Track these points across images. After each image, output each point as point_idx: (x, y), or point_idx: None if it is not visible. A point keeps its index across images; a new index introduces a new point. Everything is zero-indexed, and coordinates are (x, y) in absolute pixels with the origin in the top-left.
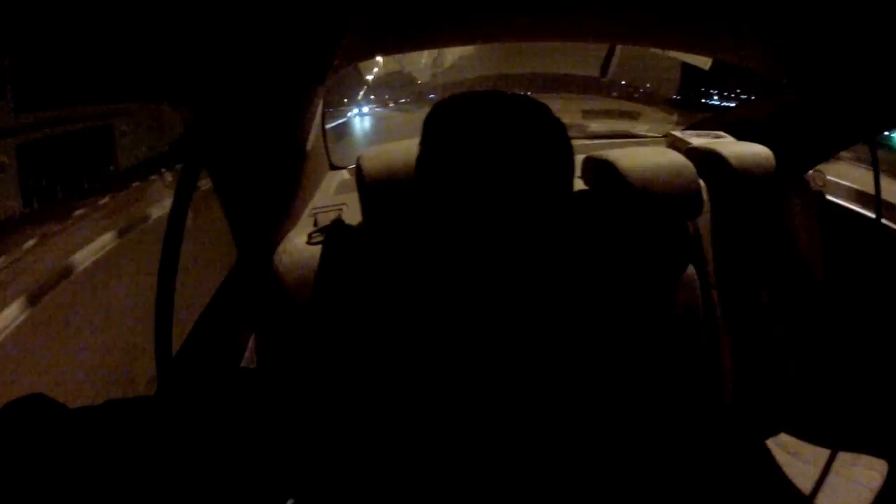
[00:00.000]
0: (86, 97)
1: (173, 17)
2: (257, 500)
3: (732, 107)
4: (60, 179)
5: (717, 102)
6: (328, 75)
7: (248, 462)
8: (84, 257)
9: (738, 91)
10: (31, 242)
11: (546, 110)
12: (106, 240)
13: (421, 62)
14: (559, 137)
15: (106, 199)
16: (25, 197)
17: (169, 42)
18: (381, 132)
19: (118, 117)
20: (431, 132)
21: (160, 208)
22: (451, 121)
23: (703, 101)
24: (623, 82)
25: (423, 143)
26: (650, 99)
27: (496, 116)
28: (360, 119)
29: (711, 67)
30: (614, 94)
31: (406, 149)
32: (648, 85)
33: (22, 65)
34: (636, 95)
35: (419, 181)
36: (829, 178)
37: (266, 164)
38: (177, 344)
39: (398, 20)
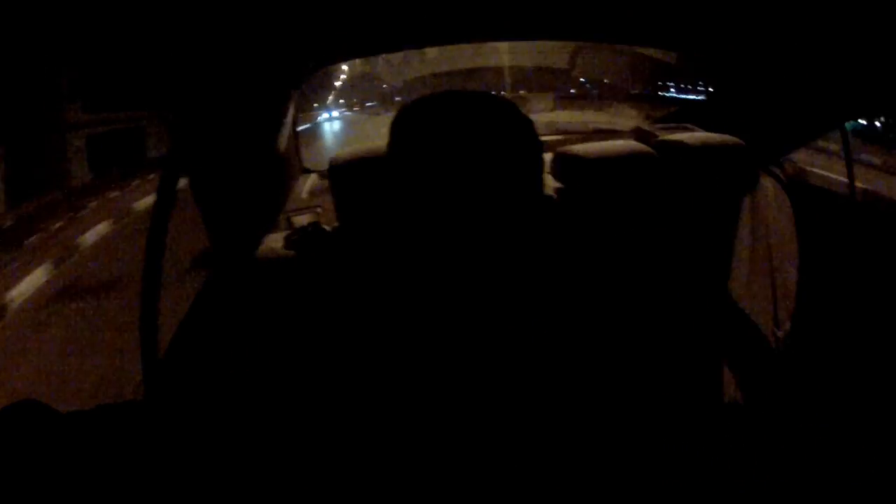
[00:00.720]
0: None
1: (161, 25)
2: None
3: (701, 99)
4: (111, 162)
5: (676, 95)
6: (303, 79)
7: (235, 464)
8: (142, 206)
9: (700, 84)
10: (95, 203)
11: (512, 107)
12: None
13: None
14: (527, 134)
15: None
16: (91, 170)
17: (156, 51)
18: (350, 136)
19: (149, 120)
20: (399, 136)
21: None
22: (418, 124)
23: (662, 94)
24: (591, 78)
25: (390, 147)
26: (618, 93)
27: (462, 116)
28: (330, 123)
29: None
30: (583, 89)
31: (377, 150)
32: (616, 80)
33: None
34: (604, 90)
35: (389, 185)
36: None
37: (242, 168)
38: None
39: (371, 24)
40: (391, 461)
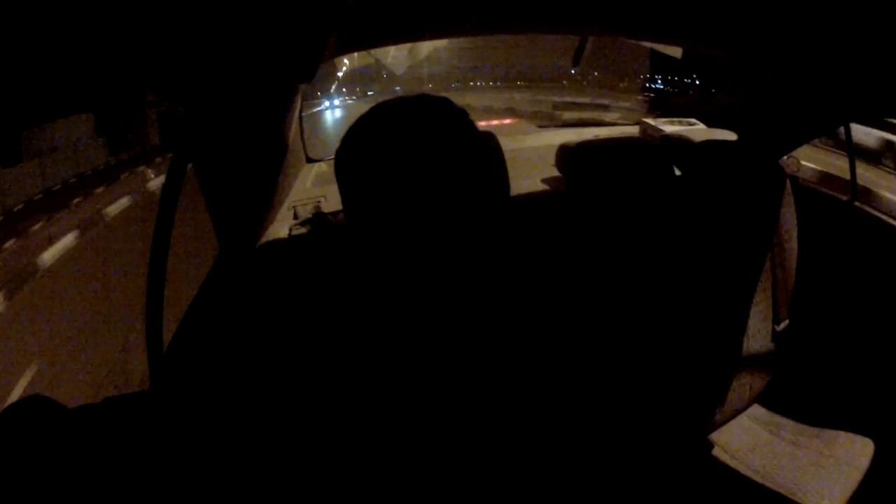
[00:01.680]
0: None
1: (172, 18)
2: (250, 497)
3: (706, 95)
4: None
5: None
6: (314, 73)
7: (242, 458)
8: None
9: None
10: (160, 159)
11: (445, 102)
12: None
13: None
14: (460, 123)
15: None
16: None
17: (166, 42)
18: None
19: None
20: (350, 149)
21: None
22: (357, 139)
23: (649, 85)
24: (595, 73)
25: (338, 161)
26: (622, 87)
27: (397, 120)
28: (332, 111)
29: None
30: (587, 82)
31: None
32: (620, 76)
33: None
34: (608, 84)
35: (343, 197)
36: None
37: (248, 159)
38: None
39: (380, 15)
40: (389, 449)
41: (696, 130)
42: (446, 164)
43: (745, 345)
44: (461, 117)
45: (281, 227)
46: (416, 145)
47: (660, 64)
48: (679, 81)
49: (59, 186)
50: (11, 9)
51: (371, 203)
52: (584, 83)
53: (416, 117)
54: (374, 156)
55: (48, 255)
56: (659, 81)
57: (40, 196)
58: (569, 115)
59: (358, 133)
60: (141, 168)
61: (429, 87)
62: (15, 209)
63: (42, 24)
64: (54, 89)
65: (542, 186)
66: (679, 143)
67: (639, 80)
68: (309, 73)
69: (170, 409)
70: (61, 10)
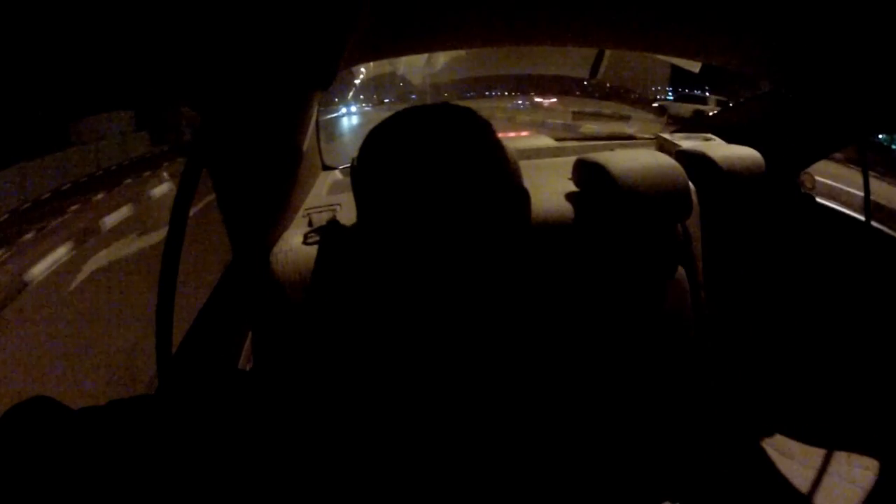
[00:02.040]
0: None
1: (189, 24)
2: (257, 499)
3: (722, 109)
4: None
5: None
6: (331, 80)
7: (248, 461)
8: None
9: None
10: None
11: (469, 113)
12: None
13: (412, 64)
14: (484, 135)
15: None
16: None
17: (185, 49)
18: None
19: None
20: (364, 156)
21: None
22: (380, 142)
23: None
24: (613, 85)
25: (358, 169)
26: (640, 101)
27: (420, 128)
28: (349, 118)
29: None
30: (603, 95)
31: None
32: (638, 88)
33: None
34: (625, 97)
35: (358, 199)
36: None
37: (264, 165)
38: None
39: (398, 24)
40: (400, 454)
41: (713, 145)
42: (470, 177)
43: (754, 363)
44: (486, 129)
45: (295, 235)
46: (440, 155)
47: (678, 77)
48: (694, 95)
49: (114, 167)
50: (60, 20)
51: (391, 211)
52: (597, 95)
53: (442, 127)
54: (396, 163)
55: (110, 219)
56: (670, 93)
57: (101, 172)
58: (586, 128)
59: (380, 139)
60: (179, 159)
61: (444, 97)
62: (80, 180)
63: (82, 28)
64: (97, 88)
65: (558, 200)
66: (696, 158)
67: (653, 92)
68: (326, 81)
69: (176, 413)
70: (98, 17)
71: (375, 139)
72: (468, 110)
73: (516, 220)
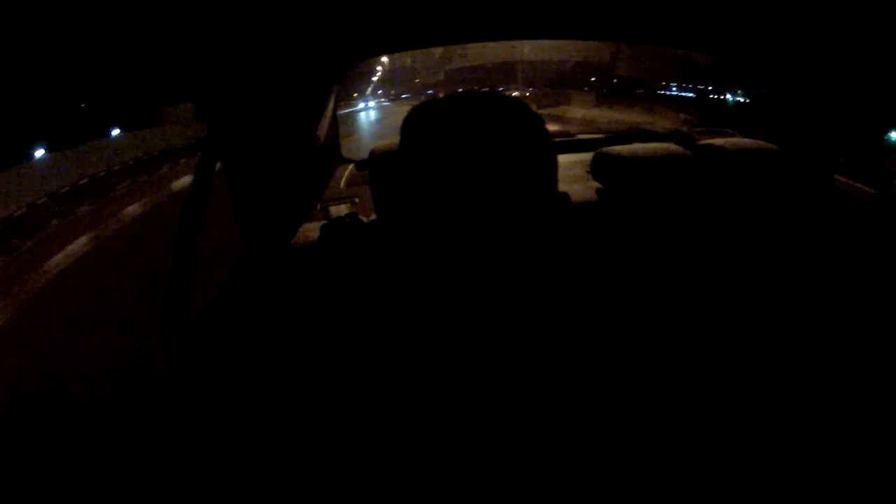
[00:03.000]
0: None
1: (212, 25)
2: (265, 492)
3: (741, 104)
4: None
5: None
6: (346, 73)
7: (257, 458)
8: None
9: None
10: None
11: (521, 105)
12: None
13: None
14: (535, 130)
15: None
16: None
17: (204, 48)
18: (385, 124)
19: None
20: (407, 136)
21: None
22: (425, 123)
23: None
24: (614, 80)
25: (401, 147)
26: (658, 96)
27: (469, 115)
28: (367, 113)
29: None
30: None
31: None
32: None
33: None
34: (645, 92)
35: (400, 183)
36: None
37: (282, 158)
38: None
39: (411, 18)
40: (415, 451)
41: (732, 140)
42: (517, 175)
43: (765, 360)
44: (538, 123)
45: (313, 227)
46: (489, 146)
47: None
48: (706, 90)
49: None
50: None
51: (428, 199)
52: (604, 90)
53: (494, 116)
54: (441, 148)
55: (178, 183)
56: (674, 89)
57: (189, 144)
58: (606, 122)
59: (427, 119)
60: None
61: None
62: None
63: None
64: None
65: (576, 194)
66: (715, 153)
67: (660, 86)
68: (340, 73)
69: (186, 407)
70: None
71: (421, 118)
72: (520, 102)
73: (553, 225)
